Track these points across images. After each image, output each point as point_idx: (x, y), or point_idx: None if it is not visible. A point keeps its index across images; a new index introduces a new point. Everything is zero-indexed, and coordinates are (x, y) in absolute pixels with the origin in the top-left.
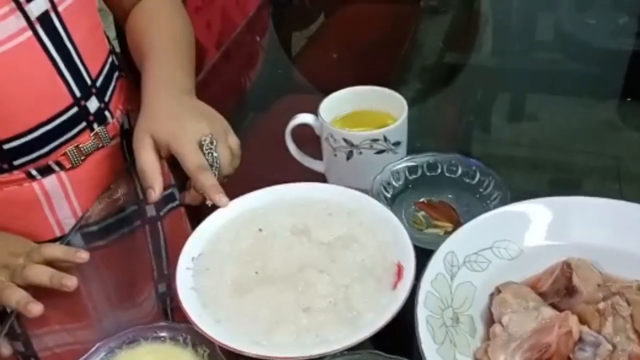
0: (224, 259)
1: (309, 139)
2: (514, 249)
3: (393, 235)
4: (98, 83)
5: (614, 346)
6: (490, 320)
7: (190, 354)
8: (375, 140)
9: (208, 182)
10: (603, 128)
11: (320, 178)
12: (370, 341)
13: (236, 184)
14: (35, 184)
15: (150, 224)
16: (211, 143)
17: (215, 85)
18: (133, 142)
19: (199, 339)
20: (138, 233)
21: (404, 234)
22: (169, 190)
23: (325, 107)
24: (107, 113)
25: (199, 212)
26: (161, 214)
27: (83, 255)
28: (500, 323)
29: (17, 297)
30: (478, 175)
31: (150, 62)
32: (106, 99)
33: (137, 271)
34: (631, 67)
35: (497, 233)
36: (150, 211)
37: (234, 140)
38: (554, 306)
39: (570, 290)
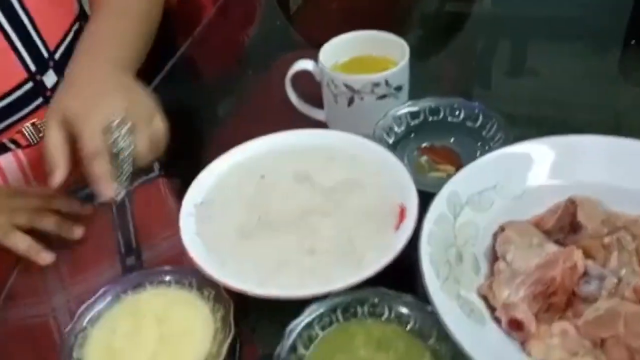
0: (226, 206)
1: (309, 90)
2: (517, 189)
3: (395, 178)
4: (57, 55)
5: (619, 279)
6: (494, 258)
7: (196, 296)
8: (376, 85)
9: (97, 171)
10: (604, 78)
11: (322, 127)
12: (374, 280)
13: (239, 142)
14: None
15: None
16: (120, 126)
17: (213, 41)
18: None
19: (204, 282)
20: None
21: (407, 177)
22: None
23: (325, 52)
24: None
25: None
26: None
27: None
28: (504, 259)
29: (28, 243)
30: (480, 118)
31: (92, 23)
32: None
33: (102, 247)
34: (636, 12)
35: (500, 173)
36: None
37: (159, 127)
38: (558, 243)
39: (574, 227)
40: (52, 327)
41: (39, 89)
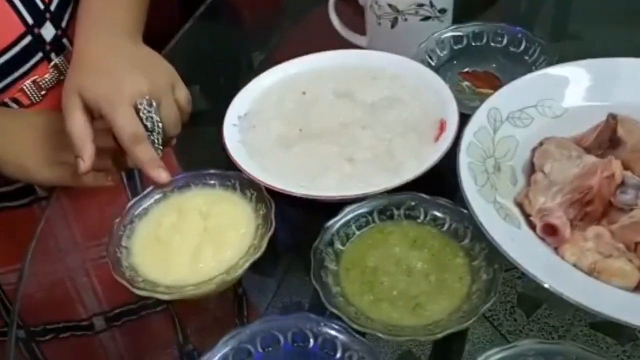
0: (269, 118)
1: (351, 20)
2: (558, 108)
3: (437, 95)
4: (52, 6)
5: None
6: (531, 172)
7: (239, 196)
8: (420, 6)
9: (145, 157)
10: None
11: None
12: (412, 188)
13: None
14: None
15: None
16: (149, 105)
17: None
18: (62, 101)
19: (246, 184)
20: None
21: (448, 93)
22: None
23: None
24: (65, 41)
25: None
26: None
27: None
28: (542, 171)
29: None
30: (524, 43)
31: None
32: (63, 24)
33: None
34: None
35: (541, 92)
36: None
37: (182, 95)
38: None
39: (614, 142)
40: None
41: (38, 43)
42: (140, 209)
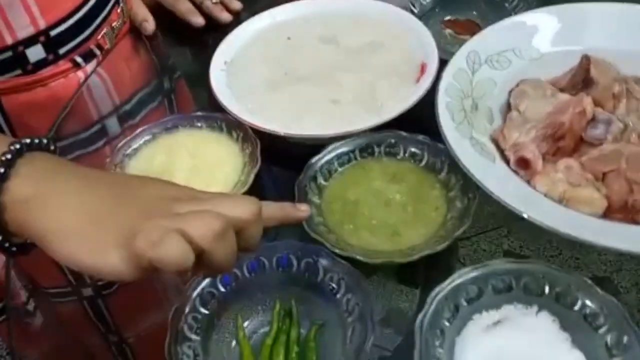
0: (255, 63)
1: None
2: (534, 52)
3: (418, 40)
4: None
5: (626, 125)
6: (508, 112)
7: (226, 137)
8: None
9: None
10: None
11: None
12: (394, 127)
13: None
14: (80, 73)
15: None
16: None
17: None
18: None
19: (233, 125)
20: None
21: (429, 38)
22: None
23: None
24: None
25: None
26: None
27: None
28: (517, 109)
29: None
30: None
31: None
32: None
33: None
34: None
35: (519, 36)
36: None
37: None
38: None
39: (587, 82)
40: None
41: None
42: (130, 149)
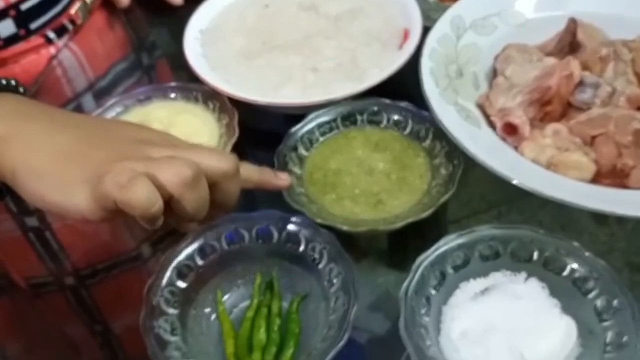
0: (230, 31)
1: None
2: (520, 17)
3: (400, 6)
4: None
5: (614, 89)
6: (494, 78)
7: (201, 108)
8: None
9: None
10: None
11: None
12: (377, 95)
13: None
14: (52, 49)
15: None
16: None
17: None
18: None
19: (208, 95)
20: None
21: (412, 4)
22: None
23: None
24: None
25: None
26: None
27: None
28: (504, 75)
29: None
30: None
31: None
32: None
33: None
34: None
35: (504, 1)
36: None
37: None
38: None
39: (574, 46)
40: None
41: None
42: None
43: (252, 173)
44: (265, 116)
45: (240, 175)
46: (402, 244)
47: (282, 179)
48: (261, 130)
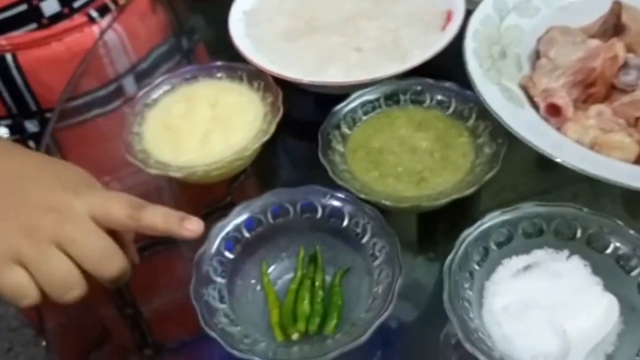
0: (273, 12)
1: None
2: (563, 0)
3: None
4: None
5: None
6: (537, 60)
7: (246, 87)
8: None
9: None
10: None
11: None
12: (419, 75)
13: None
14: (95, 28)
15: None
16: None
17: None
18: None
19: (253, 75)
20: None
21: None
22: None
23: None
24: None
25: None
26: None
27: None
28: (547, 57)
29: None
30: None
31: None
32: None
33: None
34: None
35: None
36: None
37: None
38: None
39: (618, 28)
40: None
41: None
42: (150, 99)
43: (157, 221)
44: (309, 94)
45: (144, 222)
46: (431, 235)
47: (188, 229)
48: (305, 107)
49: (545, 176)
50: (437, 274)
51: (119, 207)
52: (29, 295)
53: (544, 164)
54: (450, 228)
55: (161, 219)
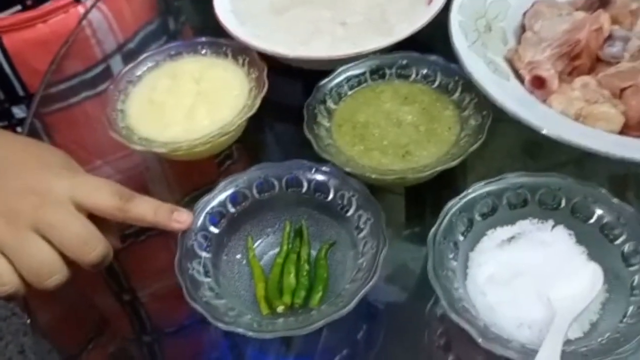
0: None
1: None
2: None
3: None
4: None
5: None
6: (522, 34)
7: (231, 62)
8: None
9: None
10: None
11: None
12: (405, 49)
13: None
14: (80, 8)
15: None
16: None
17: None
18: None
19: (238, 51)
20: None
21: None
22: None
23: None
24: None
25: None
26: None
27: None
28: (532, 30)
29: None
30: None
31: None
32: None
33: None
34: None
35: None
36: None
37: None
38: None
39: (604, 1)
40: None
41: None
42: (134, 76)
43: (146, 213)
44: (294, 70)
45: (132, 215)
46: (417, 210)
47: (178, 221)
48: (290, 82)
49: (530, 149)
50: (423, 247)
51: (106, 197)
52: (8, 282)
53: (530, 136)
54: (437, 202)
55: (150, 211)
